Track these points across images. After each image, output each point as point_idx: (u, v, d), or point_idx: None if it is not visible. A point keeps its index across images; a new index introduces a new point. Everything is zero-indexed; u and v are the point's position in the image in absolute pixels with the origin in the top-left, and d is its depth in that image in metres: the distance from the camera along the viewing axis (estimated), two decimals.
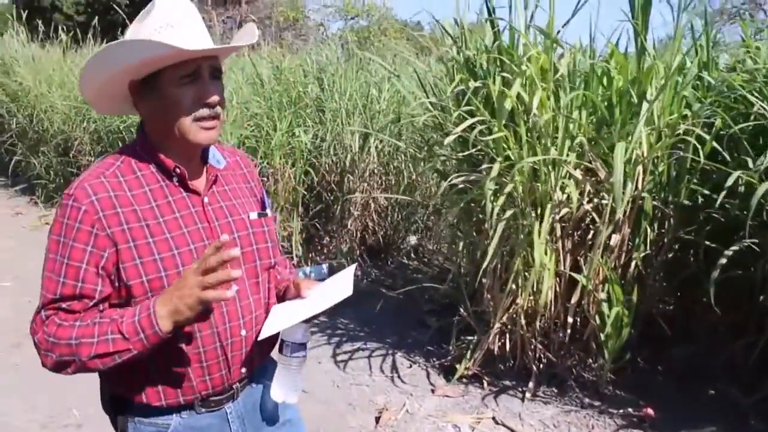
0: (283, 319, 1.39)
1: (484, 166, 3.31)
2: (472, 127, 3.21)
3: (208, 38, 1.32)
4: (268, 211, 1.53)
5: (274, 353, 1.51)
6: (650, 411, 3.31)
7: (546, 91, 2.96)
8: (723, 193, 2.77)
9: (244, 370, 1.43)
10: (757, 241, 2.90)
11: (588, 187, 3.14)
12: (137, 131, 1.40)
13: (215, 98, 1.30)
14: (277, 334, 1.42)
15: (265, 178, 5.02)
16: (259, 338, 1.39)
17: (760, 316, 3.31)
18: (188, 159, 1.36)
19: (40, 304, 1.28)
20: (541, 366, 3.62)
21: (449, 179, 3.28)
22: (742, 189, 3.20)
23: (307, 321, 1.39)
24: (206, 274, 1.17)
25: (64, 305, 1.27)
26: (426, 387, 3.71)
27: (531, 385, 3.54)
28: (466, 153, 3.23)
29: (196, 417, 1.40)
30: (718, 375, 3.56)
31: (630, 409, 3.37)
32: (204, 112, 1.29)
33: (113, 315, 1.25)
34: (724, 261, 2.86)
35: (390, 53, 6.37)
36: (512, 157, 3.20)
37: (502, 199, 3.02)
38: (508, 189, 3.02)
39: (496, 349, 3.64)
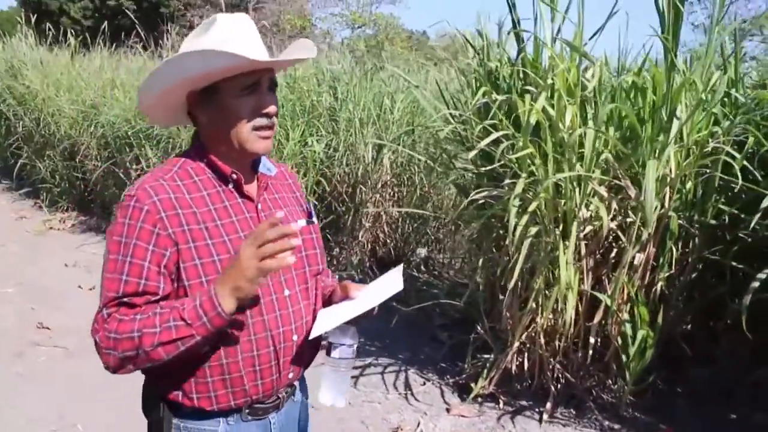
0: (332, 319, 1.41)
1: (507, 181, 3.23)
2: (495, 141, 3.14)
3: (266, 52, 1.36)
4: (314, 219, 1.56)
5: (322, 357, 1.50)
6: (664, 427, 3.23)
7: (574, 105, 2.88)
8: (758, 214, 2.68)
9: (291, 375, 1.46)
10: None
11: (614, 205, 3.06)
12: (192, 140, 1.45)
13: (273, 108, 1.35)
14: (319, 344, 1.48)
15: None
16: (309, 337, 1.42)
17: None
18: (242, 167, 1.40)
19: (101, 304, 1.29)
20: (559, 386, 3.53)
21: (472, 194, 3.20)
22: None
23: (356, 322, 1.40)
24: (262, 247, 1.20)
25: (125, 300, 1.27)
26: (440, 406, 3.62)
27: (548, 405, 3.45)
28: (489, 168, 3.15)
29: (242, 424, 1.42)
30: (740, 398, 3.47)
31: None
32: (262, 121, 1.34)
33: (174, 304, 1.26)
34: (756, 284, 2.75)
35: (402, 62, 6.30)
36: (536, 173, 3.14)
37: (525, 218, 2.94)
38: (532, 207, 2.93)
39: (513, 368, 3.56)
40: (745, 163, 3.00)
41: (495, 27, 3.76)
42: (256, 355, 1.37)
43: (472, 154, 3.08)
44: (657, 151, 2.84)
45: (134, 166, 5.90)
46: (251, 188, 1.43)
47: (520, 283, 3.25)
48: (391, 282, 1.45)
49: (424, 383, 3.86)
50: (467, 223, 3.64)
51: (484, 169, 3.25)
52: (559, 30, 3.14)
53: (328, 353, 1.44)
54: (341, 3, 24.01)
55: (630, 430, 3.30)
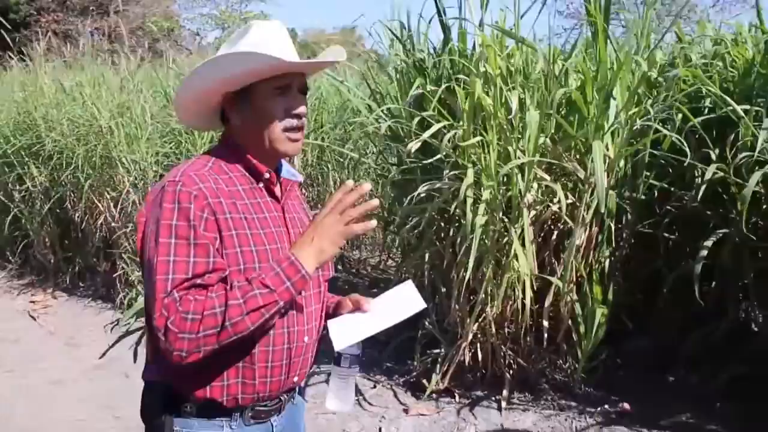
0: (355, 331, 1.44)
1: (448, 172, 3.18)
2: (432, 133, 3.08)
3: (297, 56, 1.44)
4: None
5: (329, 366, 1.53)
6: (627, 406, 3.33)
7: (516, 91, 2.87)
8: (703, 186, 2.80)
9: (296, 378, 1.47)
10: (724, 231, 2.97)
11: (558, 188, 3.09)
12: (222, 139, 1.48)
13: (303, 109, 1.41)
14: (319, 351, 1.53)
15: None
16: (337, 348, 1.43)
17: (715, 305, 3.43)
18: (271, 167, 1.44)
19: (167, 288, 1.24)
20: (511, 372, 3.54)
21: (422, 187, 3.12)
22: (699, 180, 3.30)
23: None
24: (345, 211, 1.29)
25: (198, 281, 1.25)
26: (397, 407, 3.52)
27: (505, 393, 3.45)
28: (433, 159, 3.09)
29: (245, 429, 1.42)
30: (676, 364, 3.65)
31: (607, 406, 3.37)
32: (293, 122, 1.39)
33: (250, 275, 1.28)
34: (704, 253, 2.88)
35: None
36: (478, 163, 3.11)
37: (482, 207, 2.90)
38: (486, 196, 2.90)
39: (467, 360, 3.52)
40: (674, 138, 3.12)
41: (408, 18, 3.75)
42: (270, 350, 1.38)
43: (415, 146, 2.99)
44: (601, 132, 2.89)
45: (18, 187, 5.30)
46: (276, 190, 1.47)
47: (468, 274, 3.19)
48: (408, 299, 1.49)
49: (375, 386, 3.75)
50: (401, 220, 3.53)
51: (427, 161, 3.17)
52: (481, 17, 3.12)
53: (337, 363, 1.47)
54: (209, 2, 23.15)
55: (588, 407, 3.37)
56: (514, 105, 2.79)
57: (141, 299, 4.50)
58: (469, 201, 2.87)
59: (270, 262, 1.31)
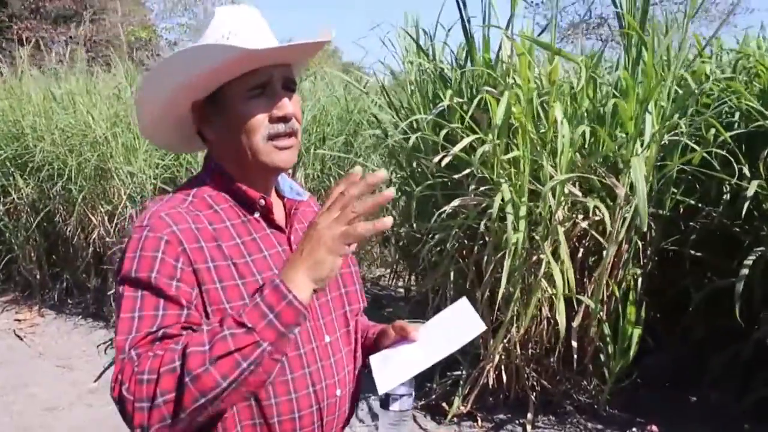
0: (403, 367, 1.19)
1: (480, 188, 3.07)
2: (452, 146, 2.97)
3: (274, 42, 1.15)
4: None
5: (377, 409, 1.29)
6: (655, 429, 3.24)
7: (556, 104, 2.77)
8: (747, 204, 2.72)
9: None
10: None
11: (591, 205, 3.00)
12: (204, 163, 1.22)
13: (290, 109, 1.12)
14: (358, 397, 1.31)
15: None
16: (380, 392, 1.16)
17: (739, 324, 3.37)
18: (266, 189, 1.18)
19: (125, 348, 0.97)
20: (535, 394, 3.43)
21: (454, 202, 3.00)
22: (727, 197, 3.24)
23: None
24: (347, 208, 0.94)
25: (164, 332, 0.99)
26: None
27: (529, 416, 3.33)
28: (465, 173, 2.98)
29: None
30: (699, 382, 3.58)
31: (634, 429, 3.27)
32: (278, 128, 1.11)
33: (224, 316, 0.98)
34: (745, 272, 2.80)
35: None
36: (511, 178, 3.01)
37: (523, 224, 2.79)
38: (522, 212, 2.79)
39: (490, 382, 3.39)
40: (704, 154, 3.06)
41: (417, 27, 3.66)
42: (297, 417, 1.12)
43: (446, 159, 2.87)
44: (639, 147, 2.80)
45: (2, 199, 5.04)
46: (278, 217, 1.20)
47: (501, 293, 3.07)
48: (464, 322, 1.25)
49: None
50: (436, 233, 3.41)
51: (456, 176, 3.06)
52: (508, 25, 3.03)
53: (385, 406, 1.23)
54: (187, 12, 22.87)
55: (612, 428, 3.27)
56: (559, 118, 2.69)
57: None
58: (510, 218, 2.75)
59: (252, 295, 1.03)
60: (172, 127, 1.21)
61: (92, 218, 4.59)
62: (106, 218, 4.53)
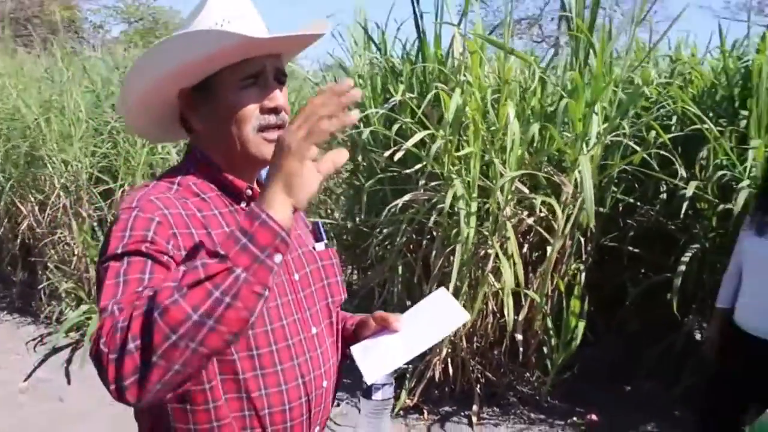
0: (388, 357, 1.19)
1: (430, 184, 3.10)
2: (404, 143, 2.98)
3: (266, 32, 1.12)
4: (325, 240, 1.32)
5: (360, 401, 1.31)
6: (595, 417, 3.36)
7: (508, 101, 2.82)
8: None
9: (318, 429, 1.20)
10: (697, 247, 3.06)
11: (538, 202, 3.07)
12: (187, 153, 1.17)
13: (281, 102, 1.09)
14: (338, 388, 1.28)
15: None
16: (368, 381, 1.16)
17: (673, 317, 3.54)
18: (251, 179, 1.15)
19: (109, 306, 0.88)
20: (479, 387, 3.50)
21: (403, 198, 3.01)
22: (664, 196, 3.39)
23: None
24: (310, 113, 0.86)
25: (149, 289, 0.89)
26: None
27: (475, 408, 3.40)
28: (417, 168, 2.99)
29: None
30: (634, 373, 3.74)
31: (575, 418, 3.39)
32: (269, 119, 1.08)
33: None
34: (683, 268, 2.94)
35: None
36: (461, 175, 3.04)
37: (473, 219, 2.83)
38: (473, 208, 2.83)
39: (436, 375, 3.44)
40: (644, 155, 3.19)
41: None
42: (287, 409, 1.10)
43: (399, 154, 2.87)
44: (586, 147, 2.90)
45: None
46: None
47: (452, 287, 3.11)
48: (447, 311, 1.25)
49: (338, 404, 3.59)
50: (385, 227, 3.41)
51: (408, 171, 3.07)
52: (460, 23, 3.07)
53: (368, 396, 1.24)
54: None
55: (557, 419, 3.38)
56: (511, 116, 2.74)
57: (73, 314, 4.11)
58: (462, 213, 2.79)
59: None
60: (155, 115, 1.16)
61: (21, 208, 4.36)
62: (36, 208, 4.31)
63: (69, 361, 4.00)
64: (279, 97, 1.09)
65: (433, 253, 3.20)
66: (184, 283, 0.81)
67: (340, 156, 0.91)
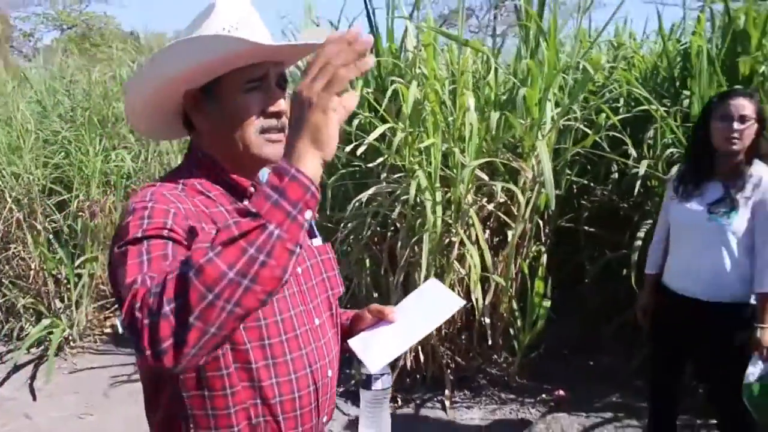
0: (388, 347, 1.24)
1: (392, 176, 3.15)
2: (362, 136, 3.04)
3: (271, 40, 1.15)
4: (318, 236, 1.36)
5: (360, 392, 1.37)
6: (563, 393, 3.48)
7: (467, 92, 2.90)
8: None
9: (325, 419, 1.24)
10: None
11: (498, 188, 3.17)
12: (189, 154, 1.20)
13: (284, 106, 1.12)
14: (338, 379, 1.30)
15: (81, 213, 4.19)
16: (372, 371, 1.24)
17: (631, 292, 3.69)
18: (254, 177, 1.19)
19: (138, 281, 0.87)
20: (450, 371, 3.58)
21: (368, 192, 3.05)
22: (616, 176, 3.54)
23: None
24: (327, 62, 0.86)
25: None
26: (341, 418, 3.42)
27: (447, 392, 3.48)
28: (379, 162, 3.04)
29: None
30: (595, 349, 3.89)
31: (544, 395, 3.51)
32: (271, 122, 1.12)
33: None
34: (639, 244, 3.07)
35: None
36: (422, 166, 3.11)
37: (439, 209, 2.89)
38: (438, 198, 2.90)
39: (408, 363, 3.50)
40: (596, 138, 3.32)
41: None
42: (297, 397, 1.13)
43: (362, 148, 2.92)
44: (541, 132, 3.00)
45: None
46: None
47: (422, 275, 3.18)
48: (441, 299, 1.31)
49: None
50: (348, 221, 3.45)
51: (370, 165, 3.12)
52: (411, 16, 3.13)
53: (367, 386, 1.30)
54: (45, 1, 21.23)
55: (527, 397, 3.49)
56: (472, 106, 2.81)
57: (34, 329, 4.02)
58: (428, 204, 2.85)
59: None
60: (161, 115, 1.19)
61: None
62: None
63: (33, 377, 3.91)
64: (282, 103, 1.12)
65: (399, 244, 3.26)
66: (218, 241, 0.81)
67: (351, 100, 0.89)
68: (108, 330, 4.58)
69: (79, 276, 4.25)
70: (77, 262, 4.21)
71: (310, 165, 0.85)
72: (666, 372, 2.56)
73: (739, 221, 2.26)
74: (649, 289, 2.62)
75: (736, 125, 2.24)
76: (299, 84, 0.88)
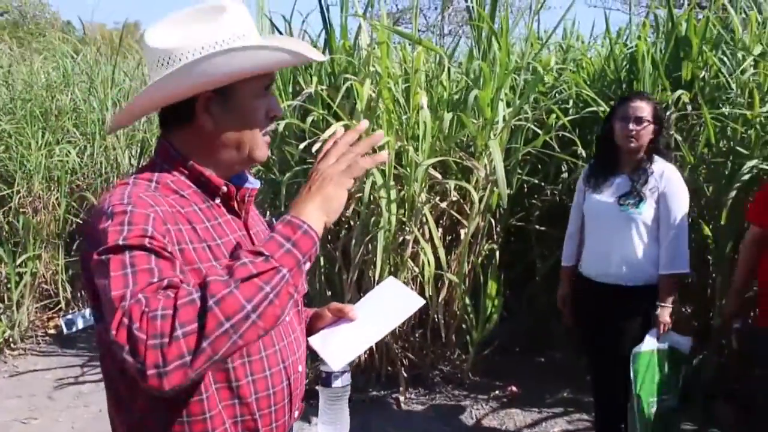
0: (350, 345, 1.26)
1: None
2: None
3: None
4: None
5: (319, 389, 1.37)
6: (515, 389, 3.54)
7: (420, 90, 2.91)
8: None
9: (297, 414, 1.27)
10: None
11: (451, 186, 3.19)
12: (160, 150, 1.19)
13: (280, 111, 1.23)
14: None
15: (23, 209, 4.05)
16: (335, 369, 1.24)
17: None
18: (227, 178, 1.20)
19: (125, 296, 0.91)
20: (404, 369, 3.59)
21: None
22: (566, 175, 3.61)
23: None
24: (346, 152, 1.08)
25: (169, 280, 0.94)
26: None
27: (401, 389, 3.49)
28: None
29: None
30: (546, 345, 3.96)
31: (497, 392, 3.56)
32: (272, 125, 1.21)
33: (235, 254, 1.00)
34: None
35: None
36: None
37: (393, 206, 2.90)
38: (393, 196, 2.90)
39: (362, 362, 3.50)
40: (547, 139, 3.38)
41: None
42: (272, 394, 1.15)
43: (317, 145, 2.91)
44: (495, 132, 3.04)
45: None
46: (235, 204, 1.23)
47: (377, 274, 3.17)
48: (400, 297, 1.33)
49: None
50: None
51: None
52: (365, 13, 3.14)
53: (328, 384, 1.30)
54: None
55: (480, 394, 3.53)
56: (425, 105, 2.83)
57: None
58: (384, 202, 2.85)
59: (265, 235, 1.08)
60: (148, 113, 1.24)
61: None
62: None
63: None
64: (278, 106, 1.20)
65: (353, 242, 3.25)
66: (237, 276, 0.90)
67: (382, 156, 1.12)
68: (52, 331, 4.43)
69: (21, 275, 4.10)
70: (18, 261, 4.06)
71: (316, 225, 1.01)
72: (597, 353, 2.70)
73: (647, 211, 2.46)
74: (567, 280, 2.81)
75: (632, 126, 2.46)
76: (319, 162, 1.07)
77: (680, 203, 2.48)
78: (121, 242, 0.96)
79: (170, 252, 0.99)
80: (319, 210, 1.02)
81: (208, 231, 1.11)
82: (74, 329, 4.43)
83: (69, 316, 4.49)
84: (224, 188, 1.17)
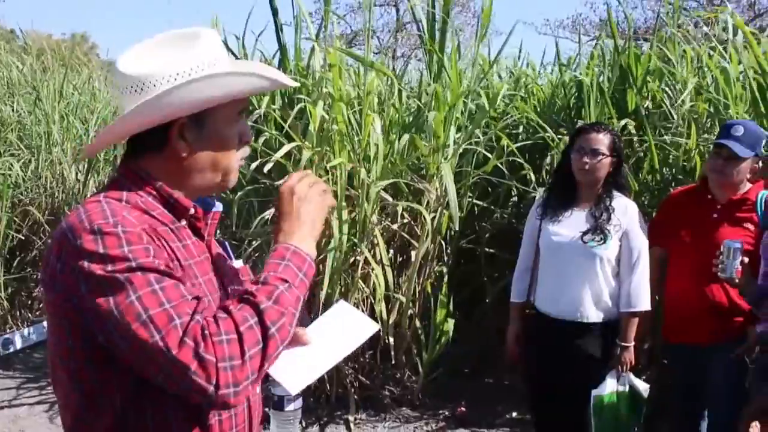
0: (306, 369, 1.25)
1: None
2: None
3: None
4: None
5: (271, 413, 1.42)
6: (463, 409, 3.56)
7: (374, 114, 2.94)
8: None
9: None
10: None
11: (400, 208, 3.22)
12: (125, 171, 1.16)
13: (251, 137, 1.25)
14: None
15: None
16: (292, 393, 1.27)
17: None
18: (193, 200, 1.20)
19: (174, 317, 0.97)
20: (354, 391, 3.57)
21: (272, 209, 3.01)
22: (515, 199, 3.68)
23: None
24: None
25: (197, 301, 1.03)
26: None
27: (352, 411, 3.47)
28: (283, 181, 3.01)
29: None
30: (495, 368, 3.99)
31: (446, 412, 3.57)
32: (246, 151, 1.20)
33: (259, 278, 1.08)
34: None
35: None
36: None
37: (346, 227, 2.90)
38: (345, 216, 2.91)
39: (312, 384, 3.46)
40: (497, 163, 3.44)
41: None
42: (233, 415, 1.15)
43: (268, 166, 2.90)
44: (447, 155, 3.08)
45: None
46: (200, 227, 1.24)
47: (323, 295, 3.17)
48: (354, 322, 1.34)
49: None
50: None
51: (278, 183, 3.09)
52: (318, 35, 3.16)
53: (280, 408, 1.36)
54: None
55: (429, 415, 3.54)
56: (377, 128, 2.85)
57: None
58: (335, 222, 2.85)
59: (268, 261, 1.09)
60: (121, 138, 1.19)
61: None
62: None
63: None
64: (250, 131, 1.22)
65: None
66: (283, 306, 1.02)
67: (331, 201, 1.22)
68: None
69: None
70: None
71: (311, 247, 1.14)
72: (548, 397, 2.56)
73: (612, 248, 2.40)
74: (518, 318, 2.67)
75: (586, 159, 2.38)
76: (293, 185, 1.15)
77: (642, 240, 2.43)
78: (134, 263, 0.99)
79: (171, 269, 1.03)
80: (311, 237, 1.14)
81: (180, 251, 1.11)
82: (11, 349, 4.27)
83: (6, 336, 4.33)
84: (192, 210, 1.17)
